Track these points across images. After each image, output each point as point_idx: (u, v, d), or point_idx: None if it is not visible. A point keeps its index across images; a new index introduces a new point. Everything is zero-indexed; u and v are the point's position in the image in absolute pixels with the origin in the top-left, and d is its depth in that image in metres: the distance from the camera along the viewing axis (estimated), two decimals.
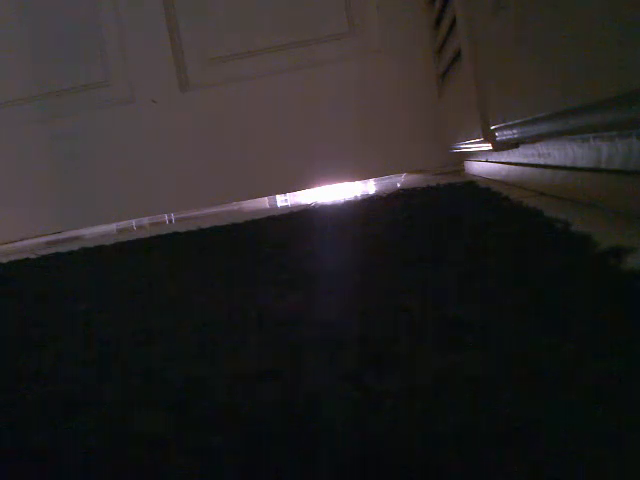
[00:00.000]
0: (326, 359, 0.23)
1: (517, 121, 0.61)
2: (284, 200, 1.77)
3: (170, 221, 1.71)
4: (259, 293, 0.38)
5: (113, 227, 1.79)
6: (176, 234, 0.92)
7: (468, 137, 0.95)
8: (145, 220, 1.81)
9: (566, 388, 0.17)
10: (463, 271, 0.33)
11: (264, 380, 0.22)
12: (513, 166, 0.77)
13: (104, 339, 0.33)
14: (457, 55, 0.97)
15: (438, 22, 1.22)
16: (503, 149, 0.76)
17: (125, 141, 1.48)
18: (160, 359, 0.27)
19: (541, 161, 0.62)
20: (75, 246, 1.04)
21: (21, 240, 1.56)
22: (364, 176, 1.46)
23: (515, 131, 0.65)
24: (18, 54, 1.49)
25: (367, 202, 0.94)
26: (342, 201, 1.09)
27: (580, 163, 0.49)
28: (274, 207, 1.56)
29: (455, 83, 1.06)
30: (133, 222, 1.83)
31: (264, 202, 1.77)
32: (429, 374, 0.20)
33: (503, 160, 0.84)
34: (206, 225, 0.98)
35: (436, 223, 0.54)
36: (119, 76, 1.48)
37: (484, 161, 1.03)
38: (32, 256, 0.97)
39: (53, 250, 1.07)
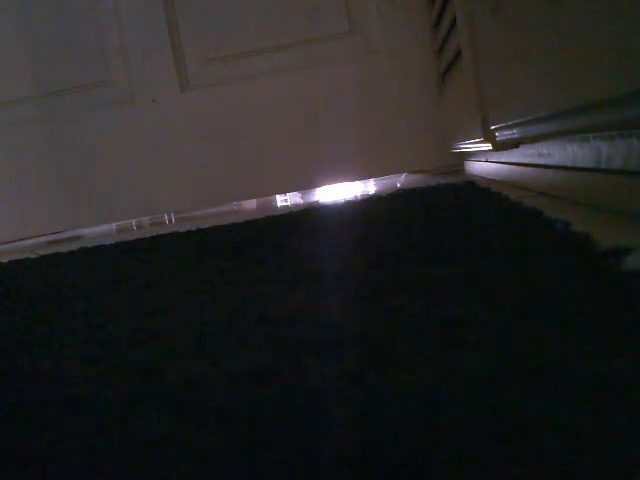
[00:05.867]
0: (326, 359, 0.23)
1: (517, 121, 0.61)
2: (284, 200, 1.77)
3: (170, 221, 1.71)
4: (259, 293, 0.38)
5: (113, 227, 1.79)
6: (176, 234, 0.92)
7: (468, 137, 0.95)
8: (145, 220, 1.81)
9: (566, 388, 0.17)
10: (463, 271, 0.33)
11: (264, 380, 0.22)
12: (513, 166, 0.77)
13: (104, 339, 0.33)
14: (457, 55, 0.97)
15: (438, 22, 1.22)
16: (503, 149, 0.76)
17: (125, 141, 1.48)
18: (160, 359, 0.27)
19: (541, 161, 0.62)
20: (75, 246, 1.04)
21: (21, 240, 1.56)
22: (364, 176, 1.46)
23: (515, 131, 0.65)
24: (18, 54, 1.49)
25: (367, 202, 0.94)
26: (342, 201, 1.09)
27: (580, 163, 0.49)
28: (274, 207, 1.56)
29: (455, 83, 1.07)
30: (133, 222, 1.83)
31: (264, 202, 1.77)
32: (429, 374, 0.20)
33: (503, 160, 0.84)
34: (206, 225, 0.98)
35: (436, 223, 0.54)
36: (119, 76, 1.48)
37: (484, 161, 1.03)
38: (32, 256, 0.97)
39: (53, 250, 1.07)
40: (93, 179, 1.49)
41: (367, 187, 1.64)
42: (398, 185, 1.45)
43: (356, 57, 1.41)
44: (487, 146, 0.80)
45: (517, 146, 0.72)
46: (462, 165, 1.36)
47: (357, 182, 1.57)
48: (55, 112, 1.50)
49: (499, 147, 0.76)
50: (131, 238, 1.02)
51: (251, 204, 1.74)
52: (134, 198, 1.49)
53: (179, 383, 0.23)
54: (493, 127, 0.74)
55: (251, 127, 1.45)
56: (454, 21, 0.94)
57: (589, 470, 0.13)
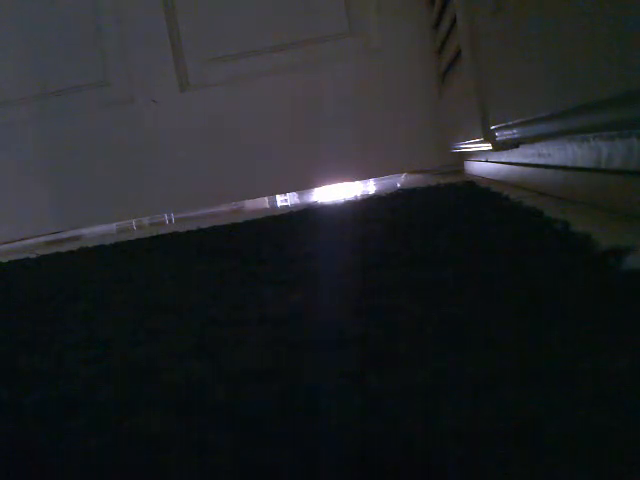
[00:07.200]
0: (326, 359, 0.23)
1: (517, 121, 0.61)
2: (284, 200, 1.77)
3: (170, 221, 1.71)
4: (259, 293, 0.38)
5: (113, 227, 1.79)
6: (176, 234, 0.92)
7: (468, 137, 0.95)
8: (145, 220, 1.81)
9: (566, 388, 0.17)
10: (463, 271, 0.33)
11: (264, 380, 0.22)
12: (513, 166, 0.77)
13: (104, 338, 0.33)
14: (457, 55, 0.97)
15: (438, 22, 1.22)
16: (503, 149, 0.76)
17: (125, 141, 1.48)
18: (160, 358, 0.27)
19: (541, 161, 0.62)
20: (75, 246, 1.04)
21: (21, 240, 1.56)
22: (364, 176, 1.46)
23: (515, 131, 0.65)
24: (17, 54, 1.49)
25: (367, 202, 0.94)
26: (342, 201, 1.09)
27: (580, 163, 0.49)
28: (274, 207, 1.56)
29: (455, 83, 1.06)
30: (133, 222, 1.83)
31: (264, 202, 1.77)
32: (429, 374, 0.20)
33: (503, 160, 0.84)
34: (206, 225, 0.97)
35: (436, 223, 0.54)
36: (119, 76, 1.48)
37: (484, 161, 1.03)
38: (32, 256, 0.97)
39: (53, 250, 1.07)
40: (93, 179, 1.49)
41: (367, 187, 1.64)
42: (398, 185, 1.45)
43: (356, 57, 1.41)
44: (487, 146, 0.80)
45: (517, 146, 0.72)
46: (462, 165, 1.36)
47: (357, 182, 1.57)
48: (55, 112, 1.50)
49: (499, 147, 0.76)
50: (131, 238, 1.02)
51: (256, 203, 1.74)
52: (134, 198, 1.49)
53: (179, 383, 0.23)
54: (493, 127, 0.74)
55: (251, 127, 1.45)
56: (454, 21, 0.94)
57: (589, 470, 0.13)
